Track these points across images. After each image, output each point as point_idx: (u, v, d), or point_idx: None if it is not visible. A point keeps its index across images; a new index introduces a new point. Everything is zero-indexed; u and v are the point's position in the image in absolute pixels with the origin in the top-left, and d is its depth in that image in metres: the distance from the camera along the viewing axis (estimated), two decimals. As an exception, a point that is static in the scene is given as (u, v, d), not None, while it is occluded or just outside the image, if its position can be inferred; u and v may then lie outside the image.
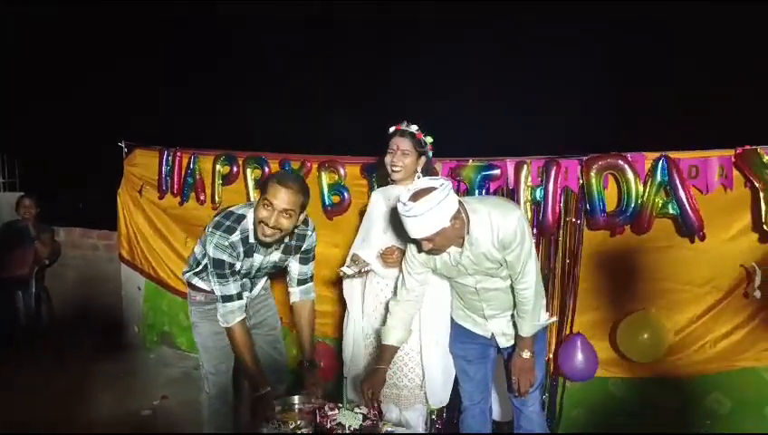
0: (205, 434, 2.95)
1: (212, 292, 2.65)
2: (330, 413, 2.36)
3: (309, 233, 2.75)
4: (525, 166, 3.24)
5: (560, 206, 3.19)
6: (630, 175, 2.99)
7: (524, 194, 3.24)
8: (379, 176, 3.48)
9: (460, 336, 2.77)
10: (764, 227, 2.79)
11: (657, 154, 2.97)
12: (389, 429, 2.40)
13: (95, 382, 4.20)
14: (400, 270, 2.66)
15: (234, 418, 2.96)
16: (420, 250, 2.42)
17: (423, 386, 2.86)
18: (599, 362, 3.21)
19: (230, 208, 2.63)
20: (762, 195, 2.77)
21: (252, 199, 4.05)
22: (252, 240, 2.55)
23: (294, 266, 2.82)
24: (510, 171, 3.27)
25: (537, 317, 2.52)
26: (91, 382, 4.19)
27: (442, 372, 2.85)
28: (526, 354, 2.55)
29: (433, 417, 3.32)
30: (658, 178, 2.94)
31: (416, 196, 2.22)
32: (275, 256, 2.70)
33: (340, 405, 2.43)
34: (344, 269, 2.93)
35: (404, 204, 2.23)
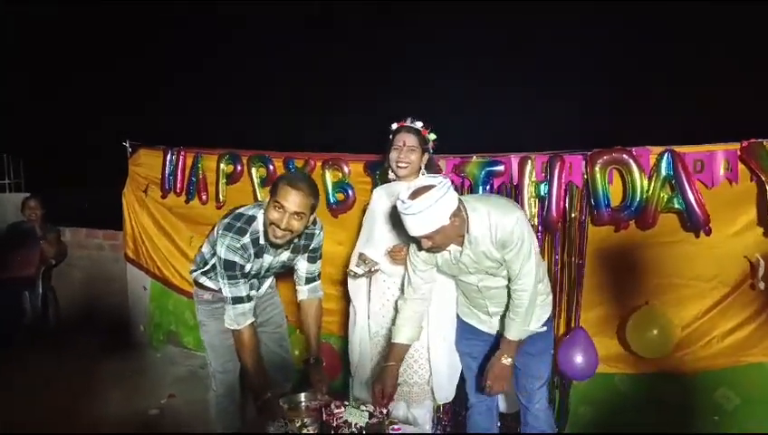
0: (213, 434, 2.96)
1: (219, 290, 2.65)
2: (336, 411, 2.36)
3: (317, 232, 2.75)
4: (529, 161, 3.22)
5: (564, 201, 3.18)
6: (635, 169, 2.97)
7: (529, 190, 3.23)
8: (381, 173, 3.48)
9: (465, 333, 2.78)
10: (771, 220, 2.78)
11: (661, 148, 2.96)
12: (396, 426, 2.40)
13: (102, 382, 4.22)
14: (406, 268, 2.66)
15: (241, 416, 2.97)
16: (420, 248, 2.42)
17: (430, 382, 2.87)
18: (599, 359, 3.18)
19: (239, 209, 2.63)
20: (768, 188, 2.76)
21: (259, 198, 4.06)
22: (262, 241, 2.55)
23: (302, 265, 2.83)
24: (514, 167, 3.26)
25: (528, 322, 2.50)
26: (98, 382, 4.21)
27: (448, 367, 2.86)
28: (507, 360, 2.51)
29: (439, 414, 3.32)
30: (663, 172, 2.93)
31: (415, 193, 2.23)
32: (284, 255, 2.70)
33: (347, 403, 2.43)
34: (354, 269, 2.93)
35: (403, 202, 2.23)
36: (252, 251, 2.53)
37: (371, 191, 3.21)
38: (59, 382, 4.17)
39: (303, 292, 2.88)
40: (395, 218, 2.78)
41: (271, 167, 4.06)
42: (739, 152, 2.84)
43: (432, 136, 2.93)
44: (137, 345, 5.08)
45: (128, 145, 4.98)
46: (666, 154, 2.93)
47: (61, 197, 6.51)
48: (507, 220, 2.32)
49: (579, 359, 3.11)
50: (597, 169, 3.05)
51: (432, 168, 2.96)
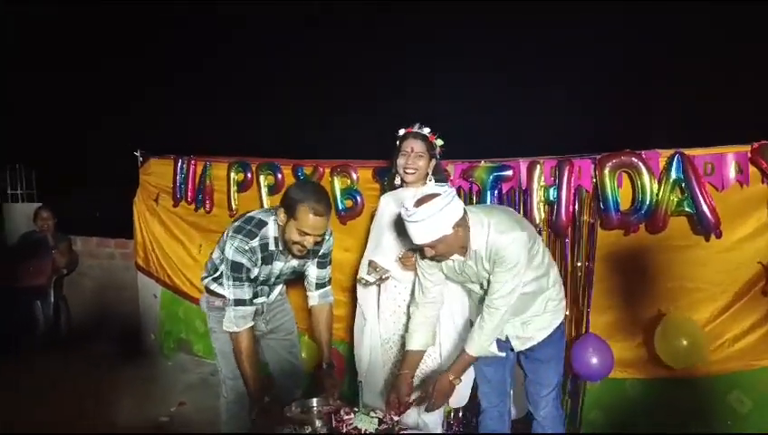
0: None
1: None
2: (346, 417, 2.36)
3: (327, 238, 2.76)
4: (538, 166, 3.22)
5: (573, 205, 3.17)
6: (645, 173, 2.96)
7: (538, 194, 3.23)
8: (389, 179, 3.48)
9: None
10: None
11: (671, 151, 2.94)
12: (406, 432, 2.39)
13: (113, 389, 4.24)
14: (416, 273, 2.66)
15: (251, 422, 2.97)
16: (423, 257, 2.42)
17: None
18: (614, 361, 3.16)
19: (250, 213, 2.65)
20: (779, 190, 2.74)
21: (265, 206, 4.07)
22: (272, 248, 2.57)
23: (312, 271, 2.83)
24: (523, 172, 3.26)
25: (490, 342, 2.47)
26: (109, 389, 4.22)
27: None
28: (454, 379, 2.49)
29: (450, 420, 3.31)
30: (673, 175, 2.91)
31: (419, 202, 2.23)
32: (294, 261, 2.71)
33: (356, 409, 2.43)
34: (365, 277, 2.93)
35: (407, 209, 2.24)
36: (259, 255, 2.54)
37: (379, 198, 3.21)
38: (70, 390, 4.19)
39: (314, 297, 2.88)
40: (403, 225, 2.79)
41: (279, 175, 4.09)
42: (750, 154, 2.82)
43: (439, 142, 2.94)
44: (148, 353, 5.10)
45: (139, 154, 5.02)
46: (675, 157, 2.91)
47: (72, 206, 6.55)
48: (503, 239, 2.30)
49: (594, 359, 3.09)
50: (606, 172, 3.04)
51: (439, 173, 2.97)
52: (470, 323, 2.81)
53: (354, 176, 3.77)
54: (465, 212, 2.33)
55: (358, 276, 3.05)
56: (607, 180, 3.04)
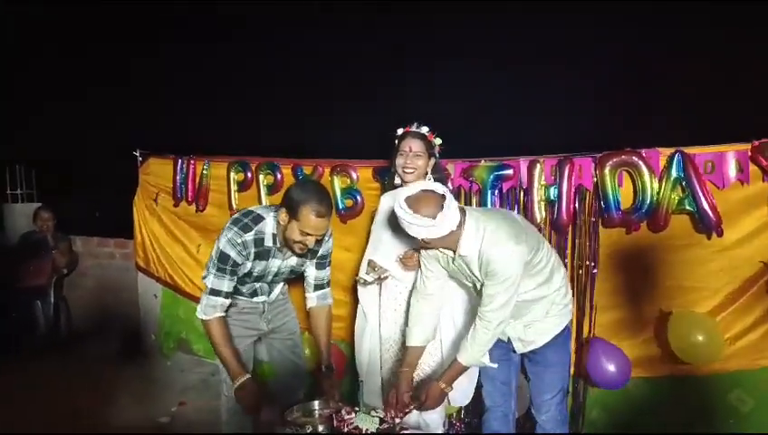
0: None
1: (233, 296, 2.68)
2: (347, 417, 2.36)
3: (326, 239, 2.75)
4: (538, 165, 3.22)
5: (574, 204, 3.17)
6: (645, 171, 2.96)
7: (538, 193, 3.22)
8: (389, 178, 3.47)
9: None
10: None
11: (671, 149, 2.94)
12: (407, 432, 2.39)
13: (113, 389, 4.23)
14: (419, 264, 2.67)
15: (252, 420, 2.97)
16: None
17: None
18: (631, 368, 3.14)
19: (250, 208, 2.66)
20: (780, 189, 2.74)
21: (264, 204, 4.08)
22: (269, 244, 2.56)
23: (311, 271, 2.83)
24: (523, 171, 3.26)
25: (482, 353, 2.45)
26: (109, 390, 4.22)
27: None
28: (445, 387, 2.50)
29: (453, 421, 3.31)
30: (674, 173, 2.91)
31: (417, 204, 2.22)
32: (293, 259, 2.72)
33: (357, 409, 2.43)
34: (363, 276, 2.94)
35: (404, 211, 2.23)
36: (252, 250, 2.54)
37: (380, 197, 3.21)
38: (70, 390, 4.19)
39: (312, 299, 2.88)
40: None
41: (279, 175, 4.09)
42: (750, 152, 2.82)
43: (438, 141, 2.94)
44: (148, 353, 5.09)
45: (138, 154, 5.02)
46: (676, 155, 2.91)
47: (72, 206, 6.55)
48: (495, 252, 2.28)
49: (611, 367, 3.08)
50: (606, 171, 3.04)
51: (439, 172, 2.96)
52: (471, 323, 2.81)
53: (354, 175, 3.76)
54: (462, 215, 2.31)
55: (357, 276, 3.05)
56: (607, 179, 3.04)
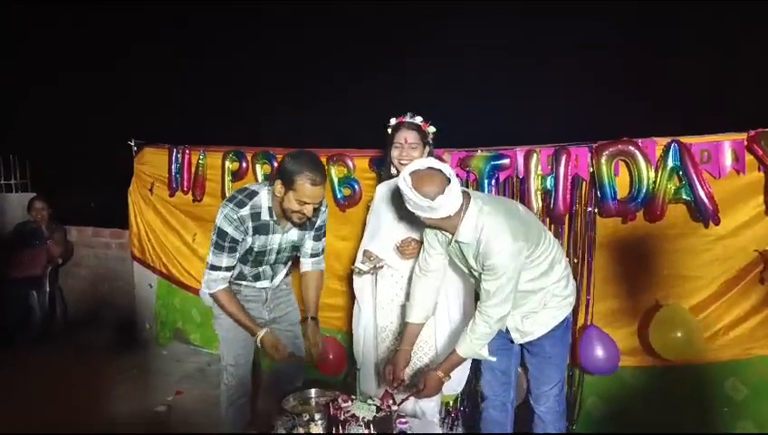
0: (220, 432, 2.98)
1: (237, 282, 2.75)
2: (343, 405, 2.36)
3: (322, 209, 2.81)
4: (535, 154, 3.21)
5: (570, 194, 3.17)
6: (641, 161, 2.96)
7: (535, 183, 3.22)
8: (384, 169, 3.46)
9: None
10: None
11: (667, 139, 2.94)
12: (403, 419, 2.40)
13: (109, 379, 4.24)
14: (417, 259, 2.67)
15: (251, 409, 3.00)
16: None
17: None
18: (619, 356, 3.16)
19: (246, 185, 2.71)
20: (775, 178, 2.74)
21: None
22: (266, 218, 2.61)
23: (308, 244, 2.88)
24: (519, 160, 3.25)
25: (480, 346, 2.44)
26: (105, 379, 4.22)
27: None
28: (443, 377, 2.50)
29: (448, 409, 3.32)
30: (670, 163, 2.91)
31: (420, 182, 2.21)
32: (294, 233, 2.75)
33: (354, 397, 2.44)
34: (359, 265, 2.94)
35: (406, 184, 2.22)
36: (250, 224, 2.58)
37: (376, 187, 3.20)
38: (66, 380, 4.19)
39: (307, 264, 2.93)
40: (400, 213, 2.78)
41: (275, 163, 4.07)
42: (746, 142, 2.81)
43: (432, 129, 2.93)
44: (144, 343, 5.10)
45: (133, 144, 5.00)
46: (672, 145, 2.91)
47: (67, 196, 6.53)
48: (491, 245, 2.26)
49: (601, 353, 3.10)
50: (603, 160, 3.04)
51: None
52: (467, 316, 2.82)
53: (351, 165, 3.75)
54: (466, 199, 2.30)
55: (352, 266, 3.05)
56: (604, 169, 3.04)
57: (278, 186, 2.49)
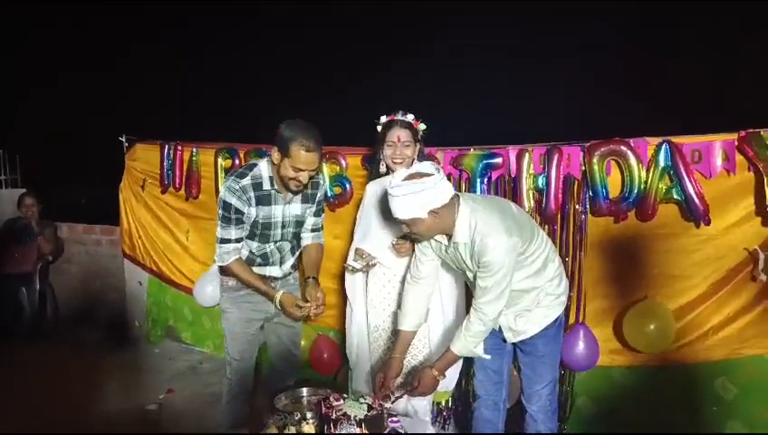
0: (211, 432, 3.00)
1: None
2: (335, 404, 2.36)
3: (321, 182, 2.90)
4: (527, 154, 3.22)
5: (562, 193, 3.18)
6: (633, 160, 2.97)
7: (527, 182, 3.23)
8: (374, 166, 3.45)
9: None
10: (768, 210, 2.77)
11: (659, 139, 2.95)
12: (395, 418, 2.40)
13: (100, 377, 4.21)
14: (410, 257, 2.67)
15: (251, 405, 3.01)
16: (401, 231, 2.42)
17: None
18: (599, 352, 3.18)
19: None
20: (765, 178, 2.75)
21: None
22: (267, 187, 2.66)
23: (309, 220, 2.92)
24: (512, 159, 3.25)
25: (475, 344, 2.45)
26: (95, 377, 4.20)
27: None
28: (438, 375, 2.49)
29: (440, 408, 3.33)
30: (661, 163, 2.92)
31: (409, 177, 2.24)
32: (296, 207, 2.79)
33: (346, 396, 2.43)
34: (351, 263, 2.94)
35: (391, 182, 2.26)
36: (252, 194, 2.64)
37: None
38: (56, 378, 4.16)
39: (308, 238, 2.97)
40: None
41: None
42: (737, 142, 2.82)
43: (422, 126, 2.93)
44: (135, 341, 5.08)
45: (124, 140, 4.97)
46: (663, 145, 2.92)
47: (58, 192, 6.49)
48: (486, 243, 2.26)
49: (581, 347, 3.12)
50: (595, 160, 3.04)
51: (423, 157, 2.95)
52: (460, 314, 2.82)
53: (343, 163, 3.75)
54: (457, 200, 2.31)
55: (345, 263, 3.04)
56: (596, 168, 3.04)
57: (275, 153, 2.57)
